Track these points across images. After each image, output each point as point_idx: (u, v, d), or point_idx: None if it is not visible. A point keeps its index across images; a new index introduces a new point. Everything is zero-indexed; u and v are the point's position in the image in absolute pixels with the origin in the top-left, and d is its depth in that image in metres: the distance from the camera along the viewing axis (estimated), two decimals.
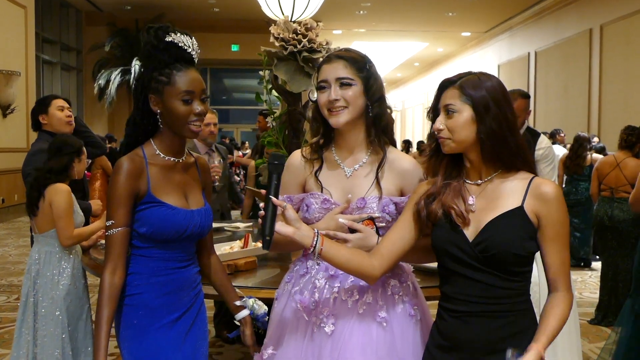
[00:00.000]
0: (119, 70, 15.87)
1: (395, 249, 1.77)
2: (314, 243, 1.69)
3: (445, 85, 1.74)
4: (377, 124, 1.94)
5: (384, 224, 1.89)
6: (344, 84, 1.89)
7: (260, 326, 2.09)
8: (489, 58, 18.19)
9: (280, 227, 1.68)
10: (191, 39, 1.90)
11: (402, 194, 1.94)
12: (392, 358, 1.82)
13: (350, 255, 1.75)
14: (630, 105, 10.98)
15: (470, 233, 1.67)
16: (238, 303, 2.07)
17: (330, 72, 1.91)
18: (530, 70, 15.40)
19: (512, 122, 1.68)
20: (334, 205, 1.90)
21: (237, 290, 2.14)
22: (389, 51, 20.38)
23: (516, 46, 16.40)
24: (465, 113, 1.67)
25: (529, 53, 15.52)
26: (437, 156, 1.77)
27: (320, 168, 1.97)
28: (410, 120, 26.81)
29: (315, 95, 1.94)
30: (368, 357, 1.80)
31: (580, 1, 12.91)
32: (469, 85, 1.67)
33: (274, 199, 1.67)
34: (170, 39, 1.85)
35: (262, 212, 1.68)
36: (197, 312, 1.99)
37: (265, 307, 2.09)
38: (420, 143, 14.37)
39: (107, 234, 1.86)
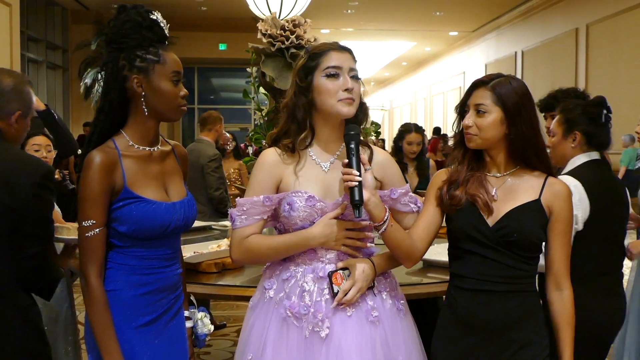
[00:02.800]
0: None
1: (431, 231, 1.88)
2: (386, 218, 1.76)
3: (476, 85, 1.83)
4: (364, 122, 1.91)
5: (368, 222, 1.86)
6: (356, 76, 1.85)
7: (196, 344, 2.02)
8: (476, 57, 18.25)
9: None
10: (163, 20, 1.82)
11: (381, 186, 1.91)
12: (386, 356, 1.80)
13: (406, 235, 1.84)
14: (615, 104, 10.94)
15: (490, 220, 1.80)
16: (186, 313, 1.98)
17: (344, 61, 1.84)
18: (517, 69, 15.47)
19: (537, 125, 1.82)
20: (319, 203, 1.82)
21: (192, 298, 2.08)
22: (377, 50, 20.39)
23: (503, 45, 16.47)
24: (494, 114, 1.78)
25: (515, 52, 15.59)
26: (460, 148, 1.89)
27: (299, 164, 1.88)
28: (398, 119, 26.84)
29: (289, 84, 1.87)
30: (365, 358, 1.77)
31: (567, 1, 12.98)
32: (501, 87, 1.78)
33: (362, 157, 1.73)
34: (154, 17, 1.77)
35: (349, 182, 1.69)
36: (175, 314, 1.89)
37: (211, 328, 2.03)
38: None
39: (87, 235, 1.71)
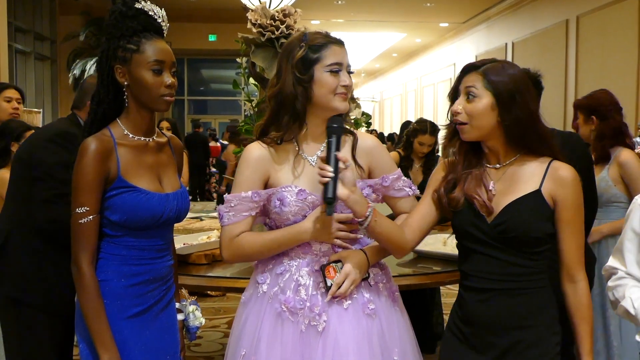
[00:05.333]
0: (94, 60, 15.59)
1: (425, 223, 1.83)
2: (368, 214, 1.71)
3: (467, 69, 1.76)
4: (347, 114, 1.90)
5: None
6: (350, 72, 1.85)
7: (188, 337, 2.02)
8: (467, 49, 18.24)
9: (338, 188, 1.65)
10: (161, 9, 1.81)
11: (369, 172, 1.90)
12: (382, 348, 1.79)
13: (394, 227, 1.79)
14: None
15: (489, 216, 1.72)
16: (177, 305, 1.98)
17: (344, 56, 1.85)
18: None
19: (535, 110, 1.73)
20: (310, 196, 1.81)
21: (184, 291, 2.08)
22: (368, 42, 20.34)
23: (493, 37, 16.46)
24: (485, 99, 1.69)
25: (506, 44, 15.58)
26: (456, 139, 1.80)
27: (287, 158, 1.86)
28: (389, 111, 26.82)
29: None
30: (362, 351, 1.76)
31: None
32: (492, 72, 1.70)
33: (339, 154, 1.65)
34: (140, 6, 1.75)
35: (322, 179, 1.64)
36: (166, 305, 1.90)
37: (202, 321, 2.03)
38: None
39: (80, 222, 1.72)
